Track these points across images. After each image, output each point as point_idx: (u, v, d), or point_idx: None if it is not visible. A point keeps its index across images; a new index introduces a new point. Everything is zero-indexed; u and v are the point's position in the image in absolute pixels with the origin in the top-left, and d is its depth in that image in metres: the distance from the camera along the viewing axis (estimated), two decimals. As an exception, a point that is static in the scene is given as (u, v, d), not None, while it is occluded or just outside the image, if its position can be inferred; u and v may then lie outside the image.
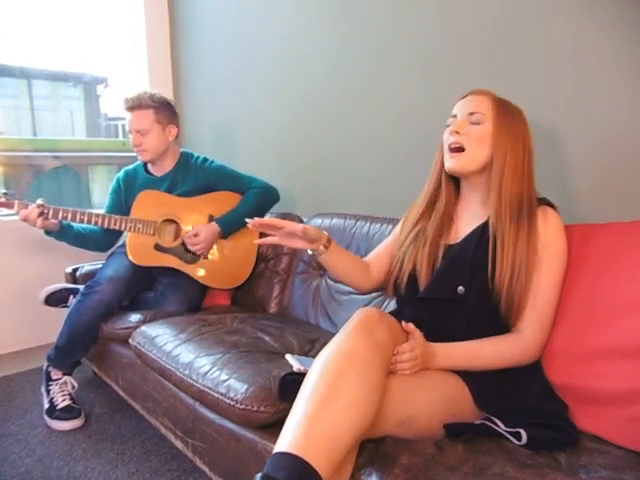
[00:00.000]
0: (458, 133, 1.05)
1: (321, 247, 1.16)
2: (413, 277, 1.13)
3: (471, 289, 1.02)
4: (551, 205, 1.07)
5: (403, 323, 0.99)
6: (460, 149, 1.05)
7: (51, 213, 1.65)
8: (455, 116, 1.09)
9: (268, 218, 1.12)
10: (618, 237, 1.04)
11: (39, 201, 1.62)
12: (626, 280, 0.99)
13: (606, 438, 0.95)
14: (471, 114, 1.05)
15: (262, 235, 1.95)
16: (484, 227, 1.06)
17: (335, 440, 0.75)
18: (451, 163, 1.07)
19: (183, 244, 1.83)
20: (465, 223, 1.13)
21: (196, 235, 1.77)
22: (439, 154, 1.15)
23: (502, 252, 1.00)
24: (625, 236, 1.04)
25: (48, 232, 1.72)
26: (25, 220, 1.62)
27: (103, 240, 1.88)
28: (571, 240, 1.07)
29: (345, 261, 1.23)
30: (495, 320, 1.03)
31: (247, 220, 1.10)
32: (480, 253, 1.03)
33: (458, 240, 1.11)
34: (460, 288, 1.03)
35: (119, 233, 1.81)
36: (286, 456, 0.73)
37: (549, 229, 1.02)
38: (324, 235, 1.16)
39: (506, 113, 1.05)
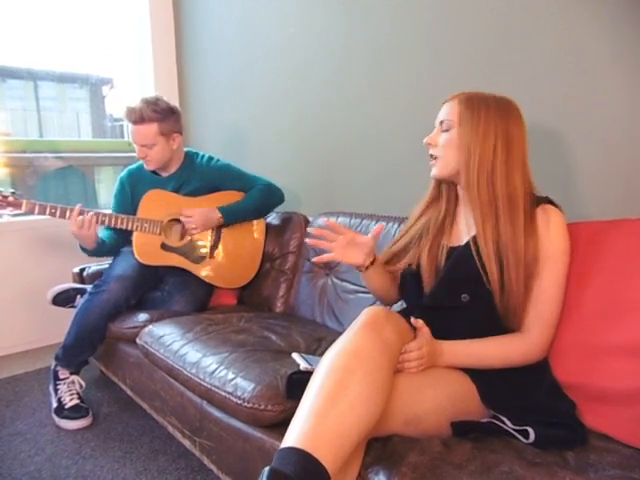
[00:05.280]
0: (430, 144, 1.09)
1: (368, 263, 1.17)
2: (417, 276, 1.13)
3: (475, 296, 1.02)
4: (552, 203, 1.05)
5: (412, 319, 0.99)
6: (433, 157, 1.09)
7: (58, 212, 1.66)
8: (434, 127, 1.11)
9: (333, 221, 1.16)
10: (627, 234, 1.04)
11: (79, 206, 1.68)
12: (636, 277, 0.98)
13: (615, 437, 0.95)
14: (441, 122, 1.07)
15: (266, 235, 1.97)
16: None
17: (342, 436, 0.75)
18: (431, 171, 1.11)
19: (189, 243, 1.83)
20: (466, 225, 1.12)
21: (192, 215, 1.78)
22: None
23: (487, 255, 0.99)
24: (635, 233, 1.03)
25: (84, 249, 1.78)
26: (81, 227, 1.65)
27: (122, 243, 1.89)
28: (579, 238, 1.06)
29: (384, 279, 1.22)
30: (499, 325, 1.02)
31: (324, 220, 1.15)
32: (480, 259, 1.02)
33: (461, 243, 1.10)
34: (464, 296, 1.03)
35: (131, 233, 1.82)
36: (293, 451, 0.73)
37: (550, 229, 1.00)
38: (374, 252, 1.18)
39: (477, 112, 1.02)
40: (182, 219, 1.79)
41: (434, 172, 1.10)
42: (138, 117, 1.71)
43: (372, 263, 1.17)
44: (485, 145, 1.01)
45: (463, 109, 1.03)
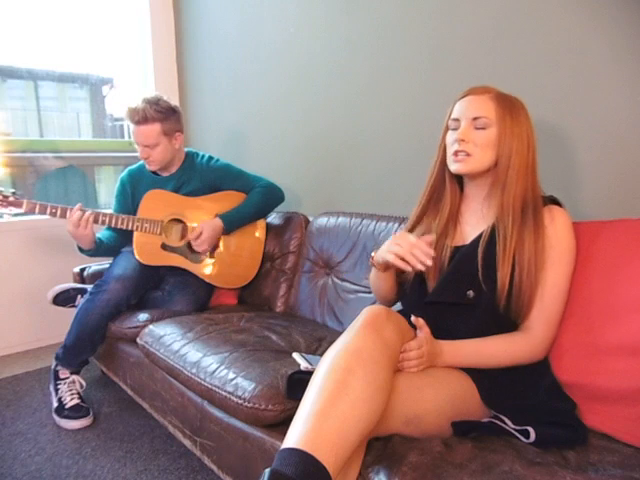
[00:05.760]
0: (464, 141, 1.03)
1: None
2: (420, 278, 1.13)
3: (481, 293, 1.02)
4: (558, 203, 1.06)
5: (413, 317, 0.99)
6: (467, 154, 1.04)
7: (59, 212, 1.66)
8: (457, 120, 1.06)
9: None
10: (628, 234, 1.04)
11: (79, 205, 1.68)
12: (636, 277, 0.98)
13: (615, 436, 0.95)
14: (475, 119, 1.02)
15: (266, 235, 1.97)
16: (492, 230, 1.05)
17: (343, 436, 0.75)
18: (457, 166, 1.06)
19: (190, 243, 1.83)
20: (471, 225, 1.12)
21: (199, 236, 1.78)
22: (439, 154, 1.13)
23: (503, 254, 0.99)
24: (635, 233, 1.03)
25: (82, 250, 1.77)
26: (77, 226, 1.64)
27: (122, 244, 1.89)
28: (580, 237, 1.06)
29: (394, 282, 1.21)
30: (503, 323, 1.02)
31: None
32: (488, 257, 1.02)
33: (466, 242, 1.10)
34: (470, 292, 1.03)
35: (132, 233, 1.82)
36: (294, 452, 0.73)
37: (556, 228, 1.01)
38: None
39: (510, 112, 1.02)
40: (195, 247, 1.80)
41: (464, 168, 1.04)
42: (141, 117, 1.70)
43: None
44: (523, 145, 1.02)
45: (500, 108, 1.01)
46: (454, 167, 1.06)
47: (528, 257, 0.98)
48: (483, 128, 1.02)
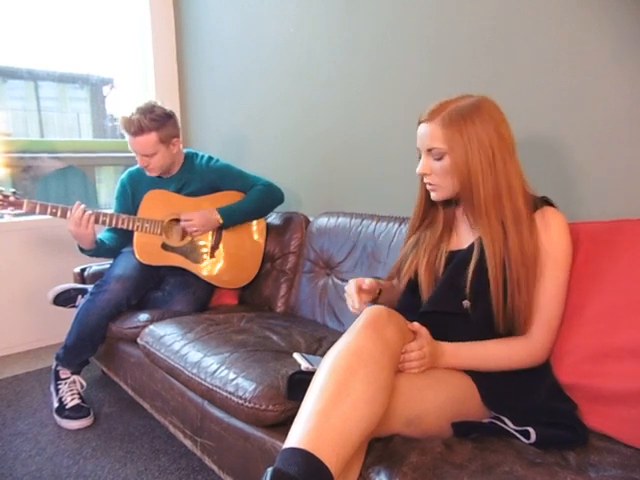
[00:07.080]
0: (426, 174, 1.05)
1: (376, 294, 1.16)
2: (413, 284, 1.13)
3: (476, 303, 1.01)
4: (550, 204, 1.04)
5: (408, 323, 0.99)
6: (432, 184, 1.06)
7: (59, 212, 1.66)
8: (418, 149, 1.06)
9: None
10: (628, 234, 1.04)
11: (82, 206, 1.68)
12: (636, 278, 0.98)
13: (615, 437, 0.95)
14: (429, 150, 1.02)
15: (266, 236, 1.98)
16: (481, 241, 1.04)
17: (345, 436, 0.75)
18: (432, 195, 1.08)
19: (190, 243, 1.84)
20: (465, 231, 1.11)
21: (191, 219, 1.78)
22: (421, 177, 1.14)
23: (495, 274, 0.98)
24: (636, 233, 1.03)
25: (82, 250, 1.76)
26: (79, 225, 1.64)
27: (122, 245, 1.89)
28: (580, 238, 1.06)
29: (391, 298, 1.22)
30: (498, 335, 1.02)
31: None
32: (480, 268, 1.01)
33: (462, 247, 1.09)
34: (465, 302, 1.02)
35: (132, 234, 1.81)
36: (296, 451, 0.73)
37: (551, 234, 0.99)
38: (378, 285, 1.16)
39: (460, 131, 0.97)
40: (183, 223, 1.79)
41: (436, 197, 1.07)
42: (137, 128, 1.68)
43: (379, 293, 1.16)
44: (483, 158, 0.97)
45: (449, 132, 0.98)
46: (431, 195, 1.09)
47: (517, 274, 0.97)
48: (439, 158, 1.01)
